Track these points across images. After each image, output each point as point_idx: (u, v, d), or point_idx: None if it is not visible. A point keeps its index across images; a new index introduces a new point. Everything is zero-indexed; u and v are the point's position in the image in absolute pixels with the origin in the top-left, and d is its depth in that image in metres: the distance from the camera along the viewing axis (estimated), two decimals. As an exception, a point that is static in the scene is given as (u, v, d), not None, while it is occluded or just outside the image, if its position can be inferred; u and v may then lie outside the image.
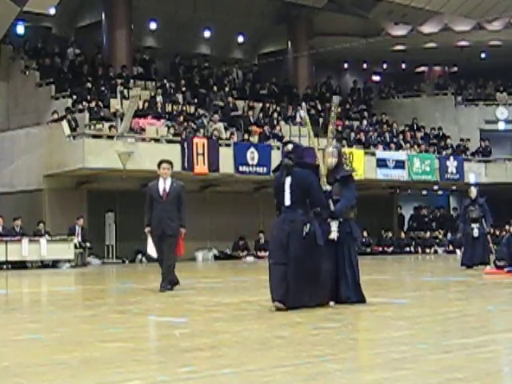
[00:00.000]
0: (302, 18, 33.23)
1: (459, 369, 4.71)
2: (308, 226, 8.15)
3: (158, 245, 11.27)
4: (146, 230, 11.30)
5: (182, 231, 11.29)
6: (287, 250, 8.09)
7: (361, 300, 8.69)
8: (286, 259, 8.07)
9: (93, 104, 24.12)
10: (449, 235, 31.28)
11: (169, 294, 10.97)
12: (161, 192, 11.26)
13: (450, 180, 30.38)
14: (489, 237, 17.79)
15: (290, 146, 8.54)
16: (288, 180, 8.32)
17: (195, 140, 23.81)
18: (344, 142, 27.88)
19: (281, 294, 8.02)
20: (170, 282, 11.25)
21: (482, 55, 35.99)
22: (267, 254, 8.73)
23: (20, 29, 27.75)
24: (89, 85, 25.49)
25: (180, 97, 27.70)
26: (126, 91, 25.68)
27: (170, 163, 11.52)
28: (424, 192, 34.75)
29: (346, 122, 31.09)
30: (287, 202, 8.27)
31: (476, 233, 17.16)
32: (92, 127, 23.37)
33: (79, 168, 22.15)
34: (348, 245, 8.80)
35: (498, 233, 27.79)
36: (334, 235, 8.64)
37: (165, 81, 27.74)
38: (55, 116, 23.79)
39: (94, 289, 12.11)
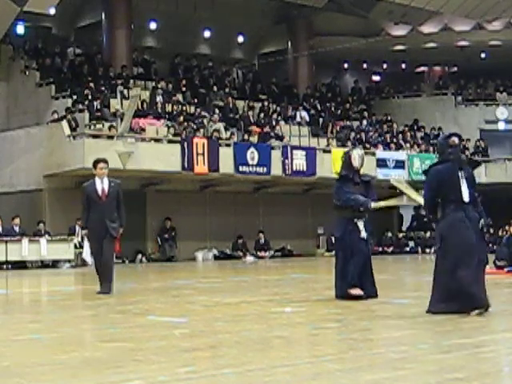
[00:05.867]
0: (301, 18, 33.20)
1: (459, 369, 4.71)
2: (481, 222, 7.83)
3: (97, 247, 10.90)
4: (84, 232, 11.03)
5: (120, 230, 11.00)
6: (475, 252, 7.61)
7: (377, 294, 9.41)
8: (474, 262, 7.58)
9: (93, 104, 24.11)
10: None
11: (169, 294, 10.96)
12: (99, 193, 10.88)
13: (450, 180, 30.28)
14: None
15: (456, 140, 7.97)
16: (464, 176, 7.81)
17: (195, 140, 23.79)
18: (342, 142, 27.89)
19: (482, 297, 7.56)
20: (110, 283, 10.92)
21: (482, 55, 35.94)
22: (448, 258, 7.67)
23: (20, 29, 27.69)
24: (89, 85, 25.48)
25: (180, 97, 27.69)
26: (126, 91, 25.67)
27: (107, 162, 11.12)
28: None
29: (346, 122, 31.08)
30: (467, 198, 7.72)
31: None
32: (92, 127, 23.35)
33: (79, 168, 22.09)
34: (370, 243, 9.64)
35: (499, 233, 27.74)
36: (363, 234, 9.47)
37: (163, 83, 27.62)
38: (55, 116, 23.78)
39: (94, 289, 12.06)
